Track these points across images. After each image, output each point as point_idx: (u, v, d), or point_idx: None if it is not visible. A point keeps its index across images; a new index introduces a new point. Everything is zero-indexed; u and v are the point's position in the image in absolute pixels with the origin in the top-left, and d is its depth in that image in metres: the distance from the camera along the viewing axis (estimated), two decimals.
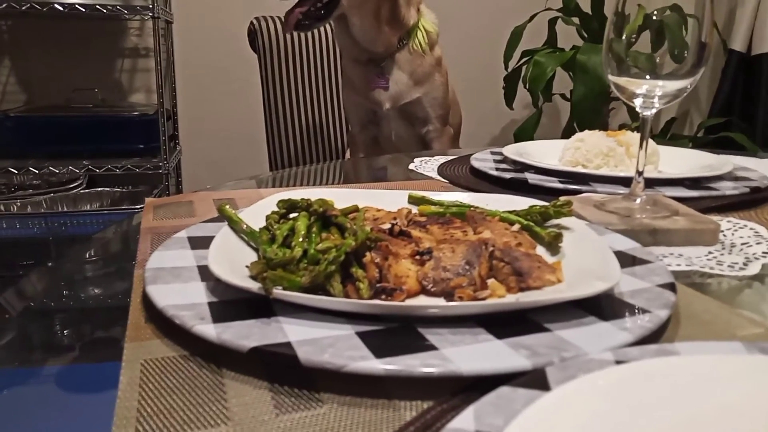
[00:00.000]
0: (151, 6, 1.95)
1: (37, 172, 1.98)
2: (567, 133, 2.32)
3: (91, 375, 0.39)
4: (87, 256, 0.62)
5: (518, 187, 0.75)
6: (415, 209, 0.58)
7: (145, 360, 0.34)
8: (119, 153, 2.06)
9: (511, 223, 0.52)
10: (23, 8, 1.87)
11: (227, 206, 0.51)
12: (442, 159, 1.00)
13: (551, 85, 2.18)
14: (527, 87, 2.17)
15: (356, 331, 0.34)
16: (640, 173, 0.62)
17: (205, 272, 0.43)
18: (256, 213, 0.52)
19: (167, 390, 0.31)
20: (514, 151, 0.89)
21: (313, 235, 0.44)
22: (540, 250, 0.48)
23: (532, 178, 0.76)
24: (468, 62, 2.43)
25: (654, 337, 0.36)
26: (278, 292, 0.37)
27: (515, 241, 0.47)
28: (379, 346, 0.33)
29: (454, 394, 0.31)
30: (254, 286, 0.37)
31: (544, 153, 0.92)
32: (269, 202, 0.55)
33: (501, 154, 0.93)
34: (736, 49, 2.17)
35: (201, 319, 0.35)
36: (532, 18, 2.23)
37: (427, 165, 0.96)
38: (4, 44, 2.28)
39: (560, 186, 0.72)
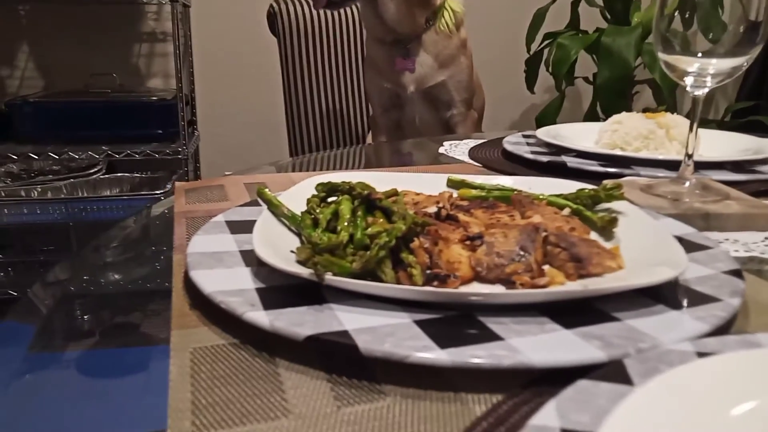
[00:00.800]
0: None
1: (56, 157, 1.98)
2: (589, 117, 2.28)
3: (130, 359, 0.38)
4: (115, 242, 0.61)
5: (556, 171, 0.73)
6: (455, 193, 0.56)
7: (195, 348, 0.33)
8: (138, 138, 2.05)
9: (560, 208, 0.50)
10: None
11: (267, 190, 0.49)
12: (471, 142, 0.98)
13: (574, 69, 2.13)
14: (550, 70, 2.13)
15: (414, 320, 0.33)
16: (690, 156, 0.59)
17: (248, 257, 0.41)
18: (295, 197, 0.50)
19: (221, 380, 0.30)
20: (547, 133, 0.87)
21: (359, 219, 0.42)
22: (593, 236, 0.46)
23: (571, 161, 0.73)
24: (488, 45, 2.39)
25: (726, 326, 0.34)
26: (331, 278, 0.35)
27: (568, 225, 0.45)
28: (441, 335, 0.31)
29: (524, 387, 0.29)
30: (304, 271, 0.36)
31: (579, 136, 0.89)
32: (307, 185, 0.53)
33: (534, 137, 0.90)
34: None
35: (251, 305, 0.34)
36: (554, 0, 2.18)
37: (457, 149, 0.93)
38: (22, 30, 2.27)
39: (601, 169, 0.70)
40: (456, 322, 0.33)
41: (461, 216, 0.46)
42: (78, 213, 1.96)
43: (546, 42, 2.24)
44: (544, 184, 0.57)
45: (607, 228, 0.46)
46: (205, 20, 2.32)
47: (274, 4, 1.70)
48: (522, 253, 0.40)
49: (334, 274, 0.36)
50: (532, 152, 0.80)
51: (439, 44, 1.34)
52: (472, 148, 0.91)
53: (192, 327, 0.35)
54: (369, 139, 1.68)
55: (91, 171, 2.01)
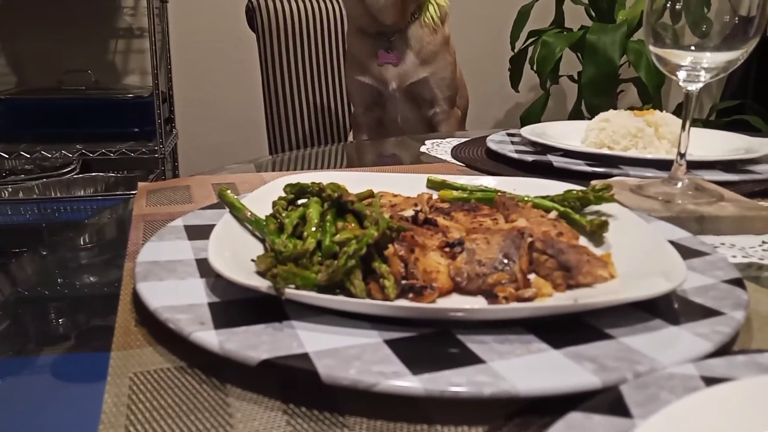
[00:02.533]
0: None
1: (28, 156, 1.91)
2: (574, 116, 2.26)
3: (84, 364, 0.35)
4: (79, 243, 0.56)
5: (541, 171, 0.70)
6: (435, 195, 0.52)
7: (135, 373, 0.29)
8: (113, 137, 2.00)
9: (547, 210, 0.46)
10: None
11: (228, 191, 0.45)
12: (454, 141, 0.94)
13: (558, 67, 2.11)
14: (534, 69, 2.11)
15: (384, 339, 0.29)
16: (682, 155, 0.56)
17: (204, 267, 0.37)
18: (261, 199, 0.47)
19: (161, 411, 0.26)
20: (532, 132, 0.84)
21: (327, 224, 0.39)
22: (582, 241, 0.43)
23: (557, 160, 0.70)
24: (472, 43, 2.36)
25: (730, 343, 0.31)
26: (291, 291, 0.31)
27: (555, 230, 0.42)
28: (414, 357, 0.27)
29: (508, 418, 0.25)
30: (263, 284, 0.32)
31: (565, 134, 0.86)
32: (274, 186, 0.49)
33: (518, 135, 0.87)
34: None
35: (201, 323, 0.30)
36: None
37: (440, 147, 0.90)
38: None
39: (588, 169, 0.67)
40: (432, 341, 0.29)
41: (440, 220, 0.42)
42: (51, 214, 1.90)
43: (531, 40, 2.21)
44: (530, 185, 0.53)
45: (596, 232, 0.43)
46: (182, 16, 2.27)
47: (253, 0, 1.66)
48: (505, 261, 0.36)
49: (298, 287, 0.32)
50: (517, 151, 0.77)
51: (423, 39, 1.31)
52: (454, 147, 0.88)
53: (135, 347, 0.31)
54: (351, 137, 1.64)
55: (65, 170, 1.95)
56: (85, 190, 1.97)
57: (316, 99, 1.74)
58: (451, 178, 0.55)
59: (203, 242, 0.41)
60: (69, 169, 1.96)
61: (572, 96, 2.44)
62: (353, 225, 0.40)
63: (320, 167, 0.87)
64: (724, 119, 2.16)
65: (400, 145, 1.05)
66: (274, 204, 0.43)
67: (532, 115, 2.17)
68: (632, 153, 0.73)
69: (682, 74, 0.54)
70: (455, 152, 0.84)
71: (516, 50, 2.21)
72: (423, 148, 0.89)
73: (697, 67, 0.53)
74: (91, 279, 0.50)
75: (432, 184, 0.55)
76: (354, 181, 0.53)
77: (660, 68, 0.55)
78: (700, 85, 0.54)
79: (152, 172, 2.13)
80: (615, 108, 2.27)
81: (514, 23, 2.17)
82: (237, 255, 0.37)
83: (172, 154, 2.35)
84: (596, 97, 1.96)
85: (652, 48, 0.54)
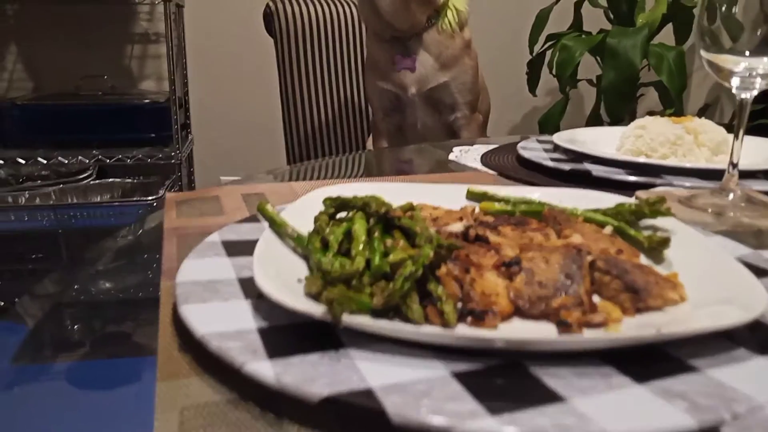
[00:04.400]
0: None
1: (45, 162, 1.91)
2: (593, 120, 2.23)
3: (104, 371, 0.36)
4: (107, 254, 0.55)
5: (579, 180, 0.67)
6: (477, 207, 0.50)
7: (184, 407, 0.27)
8: (130, 142, 1.99)
9: (600, 225, 0.44)
10: None
11: (267, 205, 0.43)
12: (482, 148, 0.92)
13: (577, 71, 2.08)
14: (553, 72, 2.08)
15: (452, 371, 0.27)
16: (734, 165, 0.54)
17: (248, 286, 0.35)
18: (299, 212, 0.45)
19: None
20: (563, 139, 0.81)
21: (376, 241, 0.37)
22: (641, 259, 0.41)
23: (596, 169, 0.68)
24: (489, 46, 2.34)
25: None
26: (349, 319, 0.29)
27: (614, 247, 0.39)
28: (487, 394, 0.25)
29: None
30: (316, 309, 0.30)
31: (597, 141, 0.84)
32: (312, 199, 0.47)
33: (550, 142, 0.85)
34: None
35: (253, 352, 0.28)
36: (558, 0, 2.13)
37: (468, 155, 0.88)
38: (10, 30, 2.21)
39: (631, 179, 0.64)
40: (503, 374, 0.27)
41: (491, 236, 0.40)
42: (67, 220, 1.90)
43: (549, 43, 2.19)
44: (575, 196, 0.51)
45: (656, 249, 0.41)
46: (199, 20, 2.26)
47: (271, 4, 1.64)
48: (568, 282, 0.34)
49: (351, 312, 0.30)
50: (552, 159, 0.75)
51: (442, 44, 1.29)
52: (484, 154, 0.85)
53: (182, 377, 0.29)
54: (369, 143, 1.62)
55: (81, 176, 1.95)
56: (101, 196, 1.97)
57: (334, 104, 1.72)
58: (491, 189, 0.53)
59: (244, 259, 0.39)
60: (85, 175, 1.96)
61: (590, 100, 2.41)
62: (402, 243, 0.38)
63: (342, 176, 0.85)
64: (747, 124, 2.12)
65: (426, 152, 1.03)
66: (316, 219, 0.41)
67: (551, 119, 2.14)
68: (672, 161, 0.71)
69: (735, 81, 0.51)
70: (485, 160, 0.82)
71: (534, 54, 2.19)
72: (452, 156, 0.87)
73: (752, 73, 0.50)
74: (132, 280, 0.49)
75: (472, 196, 0.53)
76: (389, 192, 0.51)
77: (713, 75, 0.52)
78: (755, 92, 0.51)
79: (168, 178, 2.12)
80: (635, 112, 2.24)
81: (532, 27, 2.14)
82: (282, 275, 0.35)
83: (189, 159, 2.35)
84: (616, 101, 1.93)
85: (704, 54, 0.52)
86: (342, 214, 0.44)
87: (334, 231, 0.39)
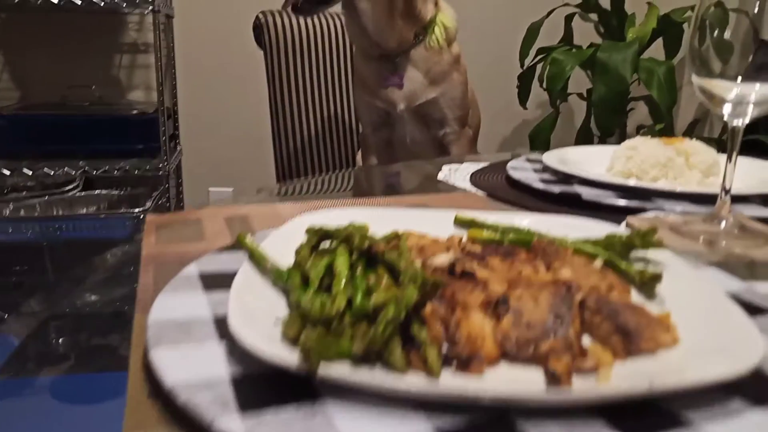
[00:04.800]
0: (151, 0, 1.86)
1: (30, 173, 1.89)
2: (583, 134, 2.24)
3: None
4: (85, 285, 0.53)
5: (570, 203, 0.66)
6: (464, 235, 0.49)
7: None
8: (117, 153, 1.97)
9: (591, 257, 0.43)
10: (16, 1, 1.77)
11: (247, 237, 0.42)
12: (471, 167, 0.91)
13: (567, 85, 2.09)
14: (544, 86, 2.08)
15: (436, 427, 0.25)
16: (726, 191, 0.53)
17: (223, 326, 0.34)
18: (281, 241, 0.43)
19: None
20: (555, 159, 0.80)
21: (358, 279, 0.35)
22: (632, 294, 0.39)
23: (586, 192, 0.67)
24: (479, 59, 2.34)
25: None
26: (326, 372, 0.28)
27: (604, 283, 0.38)
28: None
29: None
30: (291, 359, 0.28)
31: (587, 161, 0.83)
32: (294, 227, 0.46)
33: (539, 162, 0.84)
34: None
35: (223, 405, 0.26)
36: (549, 14, 2.13)
37: (457, 174, 0.87)
38: None
39: (621, 203, 0.63)
40: (489, 430, 0.26)
41: (479, 271, 0.39)
42: (53, 232, 1.87)
43: (539, 57, 2.19)
44: (565, 224, 0.50)
45: (648, 285, 0.40)
46: (189, 31, 2.25)
47: (261, 16, 1.64)
48: (557, 323, 0.33)
49: (330, 359, 0.29)
50: (542, 180, 0.74)
51: (430, 60, 1.28)
52: (473, 173, 0.84)
53: (149, 427, 0.28)
54: (359, 157, 1.61)
55: (67, 188, 1.92)
56: (87, 208, 1.94)
57: (323, 116, 1.71)
58: (480, 215, 0.52)
59: (221, 294, 0.38)
60: (71, 186, 1.94)
61: (581, 113, 2.41)
62: (385, 279, 0.36)
63: (333, 194, 0.83)
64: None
65: (414, 170, 1.02)
66: (297, 253, 0.40)
67: (542, 133, 2.14)
68: (663, 184, 0.70)
69: (727, 108, 0.50)
70: (475, 179, 0.81)
71: (525, 67, 2.19)
72: (441, 175, 0.85)
73: (744, 100, 0.49)
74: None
75: (460, 222, 0.52)
76: (375, 219, 0.50)
77: (703, 101, 0.51)
78: (747, 120, 0.50)
79: (156, 189, 2.10)
80: (625, 126, 2.25)
81: (523, 40, 2.15)
82: (260, 314, 0.34)
83: (177, 170, 2.32)
84: (607, 115, 1.93)
85: (695, 79, 0.51)
86: (326, 243, 0.42)
87: (316, 265, 0.37)
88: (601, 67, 1.88)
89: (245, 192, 2.43)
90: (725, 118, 0.51)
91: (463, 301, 0.34)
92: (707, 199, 0.64)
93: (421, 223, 0.51)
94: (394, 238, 0.46)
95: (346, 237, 0.40)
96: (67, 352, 0.42)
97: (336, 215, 0.50)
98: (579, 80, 2.19)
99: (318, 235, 0.42)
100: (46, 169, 1.90)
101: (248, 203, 0.73)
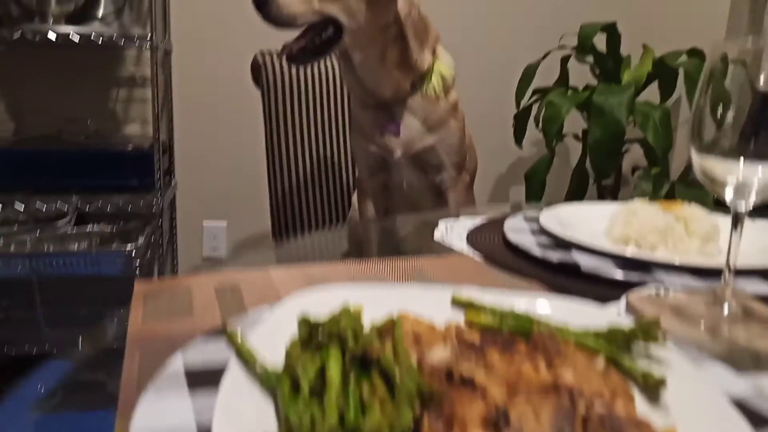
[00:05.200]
0: (149, 36, 1.87)
1: (21, 209, 1.86)
2: (578, 174, 2.24)
3: None
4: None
5: (568, 271, 0.65)
6: (461, 316, 0.48)
7: None
8: (111, 188, 1.95)
9: (592, 350, 0.41)
10: (15, 37, 1.77)
11: (236, 333, 0.40)
12: (468, 222, 0.90)
13: (563, 126, 2.09)
14: (539, 127, 2.09)
15: None
16: (730, 270, 0.52)
17: None
18: (271, 332, 0.42)
19: None
20: (553, 220, 0.79)
21: (351, 389, 0.34)
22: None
23: (585, 263, 0.66)
24: (475, 98, 2.35)
25: None
26: None
27: (607, 389, 0.37)
28: None
29: None
30: None
31: (586, 221, 0.82)
32: (285, 314, 0.44)
33: (536, 221, 0.83)
34: (763, 90, 2.10)
35: None
36: (545, 56, 2.15)
37: (454, 232, 0.85)
38: None
39: (621, 277, 0.62)
40: None
41: (478, 375, 0.37)
42: (43, 268, 1.84)
43: (535, 97, 2.20)
44: (565, 309, 0.49)
45: (651, 387, 0.38)
46: (186, 66, 2.26)
47: (259, 56, 1.64)
48: None
49: None
50: (539, 245, 0.73)
51: (427, 108, 1.28)
52: (470, 232, 0.83)
53: None
54: (354, 197, 1.60)
55: (59, 223, 1.90)
56: (79, 244, 1.91)
57: (319, 157, 1.71)
58: (477, 294, 0.51)
59: (206, 399, 0.36)
60: (63, 221, 1.92)
61: (576, 152, 2.42)
62: (380, 387, 0.35)
63: (326, 256, 0.82)
64: None
65: (410, 225, 1.01)
66: (287, 354, 0.38)
67: (537, 173, 2.14)
68: (663, 254, 0.69)
69: (729, 192, 0.50)
70: (472, 240, 0.80)
71: (520, 108, 2.20)
72: (437, 234, 0.84)
73: (747, 183, 0.49)
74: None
75: (458, 303, 0.51)
76: (370, 298, 0.49)
77: (705, 184, 0.51)
78: (751, 205, 0.50)
79: (149, 223, 2.08)
80: (620, 169, 2.25)
81: (519, 82, 2.16)
82: (246, 429, 0.32)
83: (171, 204, 2.31)
84: (602, 158, 1.94)
85: (695, 158, 0.50)
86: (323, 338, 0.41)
87: (306, 369, 0.36)
88: (596, 110, 1.88)
89: (240, 224, 2.41)
90: (728, 203, 0.50)
91: (462, 416, 0.33)
92: (708, 273, 0.63)
93: (418, 302, 0.50)
94: (390, 326, 0.44)
95: (339, 335, 0.38)
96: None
97: (329, 296, 0.48)
98: (574, 120, 2.20)
99: (309, 328, 0.41)
100: (38, 204, 1.88)
101: (241, 264, 0.72)
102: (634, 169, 2.47)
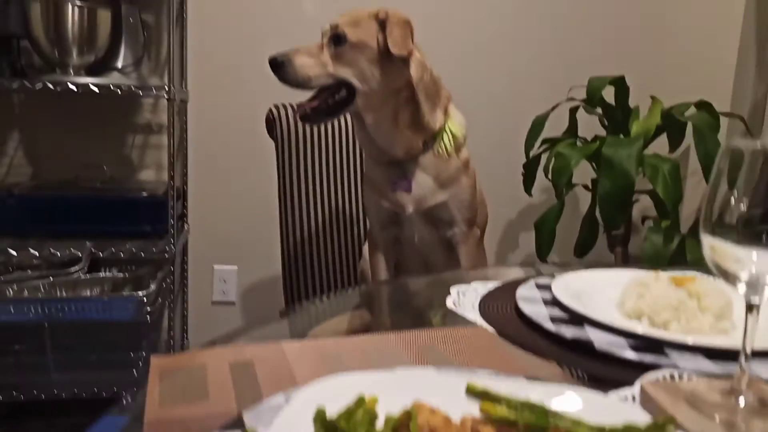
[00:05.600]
0: (167, 87, 1.91)
1: (37, 254, 1.89)
2: (588, 223, 2.24)
3: None
4: None
5: (581, 348, 0.65)
6: (476, 407, 0.48)
7: None
8: (125, 234, 1.97)
9: None
10: (37, 87, 1.82)
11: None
12: (480, 287, 0.90)
13: (572, 177, 2.11)
14: (549, 177, 2.10)
15: None
16: (746, 356, 0.52)
17: None
18: (287, 430, 0.42)
19: None
20: (565, 288, 0.80)
21: None
22: None
23: (599, 341, 0.66)
24: (486, 146, 2.38)
25: None
26: None
27: None
28: None
29: None
30: None
31: (600, 289, 0.83)
32: (301, 408, 0.45)
33: (548, 288, 0.83)
34: None
35: None
36: (554, 108, 2.18)
37: (466, 299, 0.86)
38: (14, 117, 2.24)
39: (634, 357, 0.62)
40: None
41: None
42: (55, 313, 1.85)
43: (544, 146, 2.23)
44: (580, 400, 0.49)
45: None
46: (202, 114, 2.31)
47: (273, 110, 1.68)
48: None
49: None
50: (552, 318, 0.73)
51: (438, 166, 1.30)
52: (482, 300, 0.84)
53: None
54: (365, 248, 1.61)
55: (72, 270, 1.92)
56: (91, 291, 1.93)
57: (332, 208, 1.72)
58: (493, 384, 0.51)
59: None
60: (77, 267, 1.93)
61: (585, 201, 2.43)
62: None
63: (337, 331, 0.83)
64: None
65: (422, 288, 1.01)
66: None
67: (547, 222, 2.15)
68: (676, 333, 0.69)
69: (742, 286, 0.50)
70: (484, 309, 0.80)
71: (529, 158, 2.22)
72: (449, 301, 0.85)
73: (760, 279, 0.49)
74: None
75: (473, 392, 0.51)
76: (386, 387, 0.50)
77: (717, 273, 0.51)
78: (765, 298, 0.50)
79: (161, 269, 2.10)
80: (630, 219, 2.24)
81: (528, 132, 2.18)
82: None
83: (183, 249, 2.33)
84: (612, 210, 1.94)
85: (708, 254, 0.51)
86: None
87: None
88: (606, 163, 1.90)
89: (250, 268, 2.42)
90: (742, 296, 0.51)
91: None
92: (722, 355, 0.63)
93: (433, 390, 0.50)
94: (405, 418, 0.45)
95: None
96: None
97: (344, 384, 0.49)
98: (584, 169, 2.21)
99: (325, 425, 0.41)
100: (52, 250, 1.90)
101: (253, 335, 0.72)
102: (644, 219, 2.47)
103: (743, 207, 0.50)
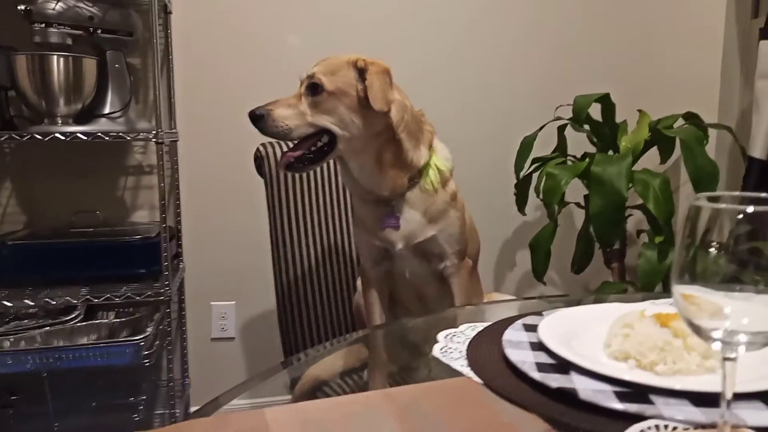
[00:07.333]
0: (155, 131, 1.92)
1: (32, 303, 1.88)
2: (584, 240, 2.24)
3: None
4: None
5: (566, 397, 0.65)
6: None
7: None
8: (120, 278, 1.97)
9: None
10: (25, 139, 1.83)
11: None
12: (469, 330, 0.90)
13: (564, 196, 2.11)
14: (540, 197, 2.11)
15: None
16: (727, 406, 0.51)
17: None
18: None
19: None
20: (551, 329, 0.80)
21: None
22: None
23: (583, 389, 0.65)
24: (477, 166, 2.39)
25: None
26: None
27: None
28: None
29: None
30: None
31: (588, 326, 0.83)
32: None
33: (535, 329, 0.83)
34: (755, 156, 2.12)
35: None
36: (541, 128, 2.19)
37: (453, 344, 0.86)
38: (6, 166, 2.25)
39: (619, 406, 0.62)
40: None
41: None
42: (53, 362, 1.85)
43: (535, 165, 2.23)
44: None
45: None
46: (192, 153, 2.32)
47: (261, 148, 1.69)
48: None
49: None
50: (538, 365, 0.73)
51: (426, 201, 1.30)
52: (470, 346, 0.83)
53: None
54: (358, 283, 1.61)
55: (68, 318, 1.91)
56: (88, 338, 1.92)
57: (323, 245, 1.73)
58: None
59: None
60: (72, 316, 1.93)
61: (579, 218, 2.43)
62: None
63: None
64: None
65: (410, 333, 1.01)
66: None
67: (542, 242, 2.15)
68: (662, 377, 0.68)
69: (717, 344, 0.50)
70: (471, 357, 0.80)
71: (520, 177, 2.22)
72: (437, 349, 0.84)
73: (733, 335, 0.49)
74: None
75: None
76: None
77: (689, 327, 0.51)
78: (741, 354, 0.50)
79: (158, 310, 2.09)
80: (624, 234, 2.24)
81: (517, 153, 2.19)
82: None
83: (180, 287, 2.33)
84: (605, 227, 1.95)
85: (681, 308, 0.51)
86: None
87: None
88: (596, 181, 1.90)
89: (248, 303, 2.42)
90: (718, 351, 0.51)
91: None
92: (708, 399, 0.62)
93: None
94: None
95: None
96: None
97: None
98: (576, 187, 2.21)
99: None
100: (47, 299, 1.89)
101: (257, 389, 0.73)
102: (639, 232, 2.47)
103: (714, 263, 0.50)
